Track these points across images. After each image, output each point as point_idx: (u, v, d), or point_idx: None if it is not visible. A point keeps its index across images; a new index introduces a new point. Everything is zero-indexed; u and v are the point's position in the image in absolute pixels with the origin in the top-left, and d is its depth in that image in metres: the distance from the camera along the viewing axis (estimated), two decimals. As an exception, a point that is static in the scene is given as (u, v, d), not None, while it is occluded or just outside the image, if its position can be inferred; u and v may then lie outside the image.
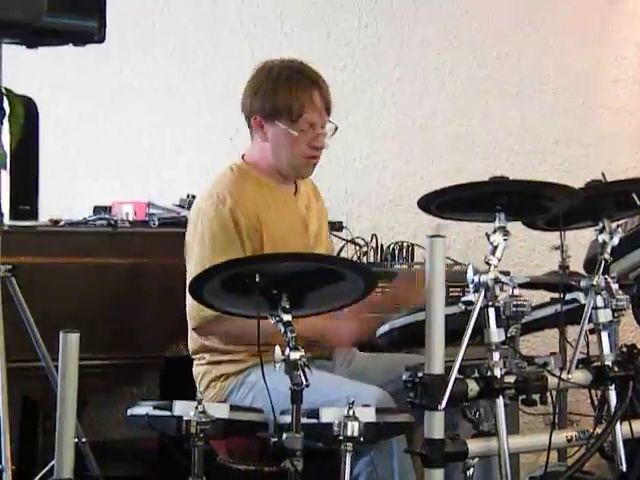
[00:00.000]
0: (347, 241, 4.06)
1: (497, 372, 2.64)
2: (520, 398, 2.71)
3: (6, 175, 3.10)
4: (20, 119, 2.37)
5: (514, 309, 2.67)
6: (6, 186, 3.26)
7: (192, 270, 3.06)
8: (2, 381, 2.86)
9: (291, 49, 4.43)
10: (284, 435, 2.50)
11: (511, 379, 2.67)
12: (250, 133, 3.24)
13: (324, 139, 3.17)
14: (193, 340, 3.18)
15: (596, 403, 2.90)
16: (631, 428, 2.80)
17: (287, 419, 2.54)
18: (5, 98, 2.36)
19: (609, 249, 2.85)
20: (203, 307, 2.76)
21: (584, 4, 4.99)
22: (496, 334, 2.65)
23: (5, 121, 2.38)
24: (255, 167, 3.21)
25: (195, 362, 3.19)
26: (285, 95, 3.10)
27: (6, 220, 3.18)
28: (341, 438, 2.55)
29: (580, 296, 2.88)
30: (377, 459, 2.82)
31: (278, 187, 3.23)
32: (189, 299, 2.98)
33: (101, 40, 3.06)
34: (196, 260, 3.07)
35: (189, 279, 3.01)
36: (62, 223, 3.59)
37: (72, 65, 4.08)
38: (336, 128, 3.19)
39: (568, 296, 2.91)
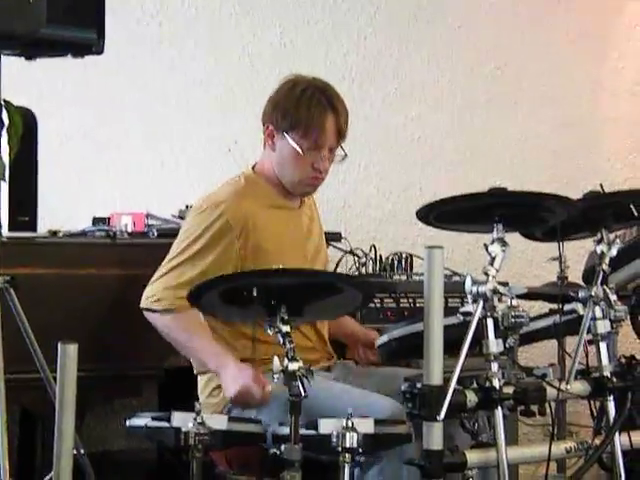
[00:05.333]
0: (346, 252, 4.07)
1: (496, 383, 2.64)
2: (519, 409, 2.70)
3: (5, 186, 3.10)
4: (19, 130, 2.38)
5: (512, 320, 2.67)
6: (5, 197, 3.27)
7: (165, 261, 3.12)
8: (0, 393, 2.85)
9: (290, 61, 4.45)
10: (282, 446, 2.50)
11: (510, 390, 2.66)
12: (263, 142, 3.24)
13: (327, 163, 3.15)
14: None
15: (595, 414, 2.90)
16: (630, 439, 2.80)
17: (285, 430, 2.54)
18: (4, 109, 2.36)
19: (607, 260, 2.85)
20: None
21: (583, 16, 5.00)
22: (495, 345, 2.65)
23: (4, 132, 2.37)
24: (263, 177, 3.22)
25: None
26: (301, 111, 3.10)
27: (5, 231, 3.18)
28: (339, 449, 2.55)
29: (579, 307, 2.88)
30: (387, 469, 2.80)
31: (282, 199, 3.23)
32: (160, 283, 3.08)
33: (100, 52, 3.06)
34: (171, 253, 3.13)
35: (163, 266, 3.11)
36: (61, 234, 3.58)
37: (71, 77, 4.09)
38: (345, 155, 3.19)
39: (567, 307, 2.91)
